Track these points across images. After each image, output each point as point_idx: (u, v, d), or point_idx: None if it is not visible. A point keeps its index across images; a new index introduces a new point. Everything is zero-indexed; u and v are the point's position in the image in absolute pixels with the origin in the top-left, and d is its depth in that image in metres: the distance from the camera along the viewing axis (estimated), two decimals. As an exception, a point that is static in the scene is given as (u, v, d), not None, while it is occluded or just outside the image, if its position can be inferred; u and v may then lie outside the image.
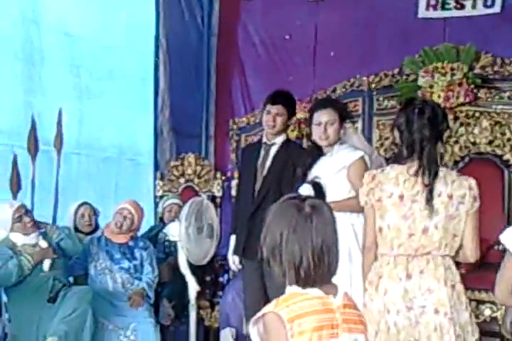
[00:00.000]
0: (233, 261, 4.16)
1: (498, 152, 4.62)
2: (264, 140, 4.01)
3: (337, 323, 1.72)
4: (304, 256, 1.72)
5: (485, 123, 4.73)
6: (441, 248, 2.61)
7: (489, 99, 4.75)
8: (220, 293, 4.91)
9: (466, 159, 4.76)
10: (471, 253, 2.67)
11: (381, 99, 5.18)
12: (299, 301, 1.72)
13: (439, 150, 2.68)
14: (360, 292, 3.39)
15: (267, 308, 1.74)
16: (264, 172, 3.95)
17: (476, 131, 4.76)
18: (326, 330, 1.70)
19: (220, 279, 4.96)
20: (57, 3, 5.24)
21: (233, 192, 5.47)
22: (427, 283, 2.57)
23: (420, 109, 2.62)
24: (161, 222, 5.16)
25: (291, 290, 1.76)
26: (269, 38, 6.00)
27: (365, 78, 5.24)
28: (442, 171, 2.66)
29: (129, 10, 5.74)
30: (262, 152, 4.00)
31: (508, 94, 4.70)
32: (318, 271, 1.73)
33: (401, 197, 2.61)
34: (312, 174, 3.67)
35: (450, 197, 2.60)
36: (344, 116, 3.67)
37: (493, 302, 3.94)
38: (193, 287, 4.39)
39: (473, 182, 2.65)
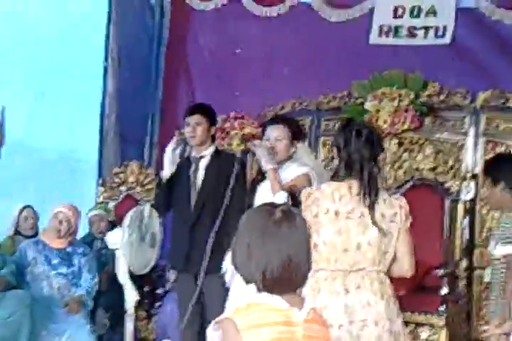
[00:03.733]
0: None
1: (440, 179, 4.75)
2: (193, 154, 4.01)
3: (297, 338, 1.69)
4: (270, 262, 1.69)
5: (428, 150, 4.86)
6: (375, 264, 2.67)
7: (434, 127, 4.89)
8: (157, 304, 4.84)
9: (409, 184, 4.87)
10: (407, 268, 2.72)
11: (329, 119, 5.26)
12: (259, 310, 1.69)
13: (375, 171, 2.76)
14: None
15: (226, 314, 1.71)
16: (198, 185, 3.94)
17: (420, 157, 4.88)
18: None
19: (159, 290, 4.88)
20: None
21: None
22: (365, 297, 2.63)
23: (358, 130, 2.72)
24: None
25: (254, 298, 1.73)
26: (219, 50, 6.02)
27: (314, 98, 5.31)
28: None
29: (82, 8, 5.66)
30: (193, 166, 3.99)
31: (451, 123, 4.85)
32: (284, 279, 1.70)
33: (336, 213, 2.67)
34: (260, 193, 3.69)
35: (383, 216, 2.67)
36: (296, 134, 3.71)
37: (431, 325, 4.03)
38: (132, 296, 4.34)
39: (403, 201, 2.74)
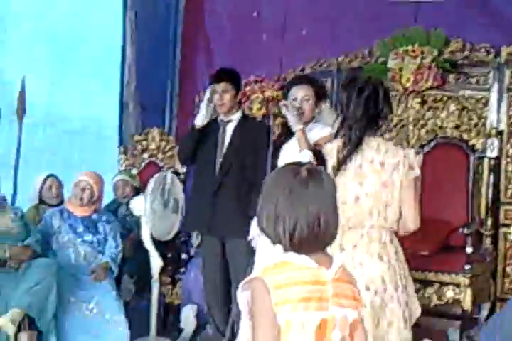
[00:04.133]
0: None
1: (465, 137, 4.67)
2: (221, 117, 4.00)
3: (326, 296, 1.67)
4: (298, 222, 1.67)
5: (452, 107, 4.77)
6: (374, 217, 2.58)
7: (457, 84, 4.79)
8: (182, 269, 4.86)
9: (433, 143, 4.80)
10: (411, 222, 2.63)
11: (350, 80, 5.18)
12: (288, 270, 1.67)
13: (375, 130, 2.73)
14: None
15: (255, 273, 1.70)
16: (224, 149, 3.94)
17: (443, 115, 4.80)
18: (314, 302, 1.65)
19: (183, 256, 4.90)
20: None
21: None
22: (359, 257, 2.54)
23: (360, 88, 2.66)
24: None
25: (282, 257, 1.71)
26: (236, 14, 5.93)
27: (334, 58, 5.23)
28: (376, 141, 2.71)
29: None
30: (220, 129, 3.99)
31: (475, 79, 4.75)
32: (312, 238, 1.68)
33: (333, 167, 2.67)
34: (284, 150, 3.68)
35: (382, 164, 2.62)
36: (320, 94, 3.68)
37: (456, 285, 4.00)
38: (156, 262, 4.35)
39: (411, 152, 2.68)
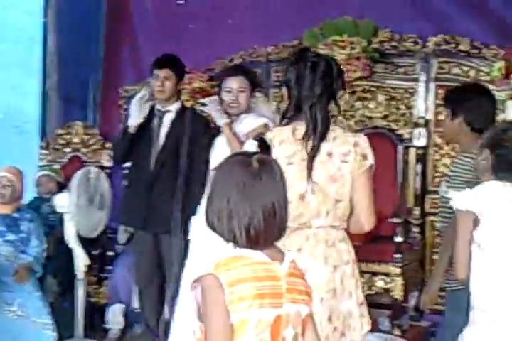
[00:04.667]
0: None
1: (393, 126, 4.68)
2: (158, 107, 3.85)
3: (280, 292, 1.60)
4: (255, 216, 1.58)
5: (380, 97, 4.78)
6: (322, 216, 2.26)
7: (385, 74, 4.79)
8: (108, 267, 4.70)
9: (362, 133, 4.76)
10: (364, 221, 2.31)
11: (279, 71, 5.11)
12: (241, 265, 1.58)
13: (332, 112, 2.41)
14: None
15: (205, 270, 1.59)
16: (161, 141, 3.79)
17: (372, 105, 4.79)
18: (268, 299, 1.57)
19: (109, 253, 4.74)
20: None
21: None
22: (304, 262, 2.14)
23: (313, 62, 2.32)
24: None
25: (234, 252, 1.62)
26: (161, 2, 5.75)
27: (263, 49, 5.15)
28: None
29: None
30: (156, 119, 3.83)
31: (403, 69, 4.76)
32: (268, 232, 1.60)
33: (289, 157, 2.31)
34: (217, 145, 3.58)
35: (329, 155, 2.28)
36: (255, 84, 3.60)
37: (386, 274, 4.00)
38: (81, 261, 4.18)
39: (361, 138, 2.34)
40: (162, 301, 3.79)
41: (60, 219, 4.30)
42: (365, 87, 4.82)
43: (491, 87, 4.36)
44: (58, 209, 4.18)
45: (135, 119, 3.73)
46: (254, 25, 5.30)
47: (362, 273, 3.92)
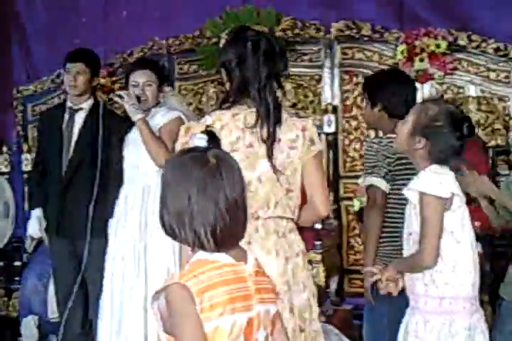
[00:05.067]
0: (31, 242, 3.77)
1: (302, 114, 4.63)
2: (69, 104, 3.63)
3: (250, 294, 1.49)
4: (220, 215, 1.46)
5: (288, 86, 4.68)
6: (270, 207, 2.15)
7: (291, 62, 4.72)
8: (16, 278, 4.41)
9: (271, 122, 4.73)
10: (320, 206, 2.22)
11: (182, 63, 4.98)
12: (207, 270, 1.45)
13: (278, 95, 2.25)
14: None
15: (171, 280, 1.45)
16: (73, 142, 3.57)
17: (279, 93, 4.72)
18: (239, 302, 1.46)
19: (16, 263, 4.45)
20: None
21: (24, 167, 4.97)
22: (255, 254, 1.97)
23: (254, 41, 2.17)
24: None
25: (198, 256, 1.49)
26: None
27: (164, 41, 4.99)
28: None
29: None
30: (66, 117, 3.61)
31: (308, 56, 4.73)
32: (234, 231, 1.49)
33: (233, 143, 2.16)
34: (129, 140, 3.41)
35: (278, 142, 2.16)
36: (163, 77, 3.45)
37: (309, 261, 3.93)
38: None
39: (309, 123, 2.24)
40: (85, 309, 3.59)
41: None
42: (271, 75, 4.74)
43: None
44: (-43, 220, 3.88)
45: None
46: (151, 16, 5.13)
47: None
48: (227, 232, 1.47)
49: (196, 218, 1.46)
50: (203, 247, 1.48)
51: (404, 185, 2.33)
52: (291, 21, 4.74)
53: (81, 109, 3.60)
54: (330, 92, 4.67)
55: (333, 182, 4.53)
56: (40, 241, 4.43)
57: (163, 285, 1.45)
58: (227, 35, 2.43)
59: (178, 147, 2.23)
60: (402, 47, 4.36)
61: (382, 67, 4.51)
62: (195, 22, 4.98)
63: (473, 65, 4.33)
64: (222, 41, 4.74)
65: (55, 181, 3.55)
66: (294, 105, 4.70)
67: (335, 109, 4.61)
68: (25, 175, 4.97)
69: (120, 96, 3.26)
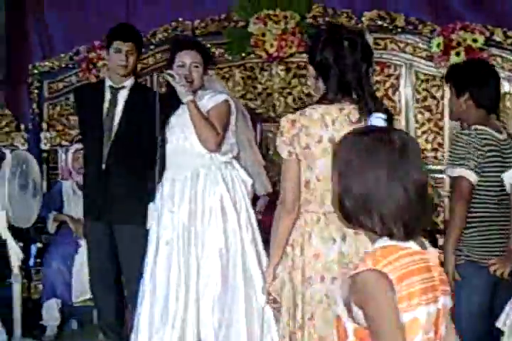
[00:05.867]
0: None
1: (333, 103, 4.61)
2: (109, 83, 3.53)
3: (435, 284, 1.42)
4: (408, 199, 1.38)
5: (317, 74, 4.68)
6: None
7: (319, 51, 4.70)
8: (38, 260, 4.32)
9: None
10: None
11: (208, 45, 4.89)
12: (400, 257, 1.37)
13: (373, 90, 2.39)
14: (251, 257, 3.15)
15: (363, 265, 1.37)
16: (117, 119, 3.47)
17: (310, 82, 4.68)
18: (430, 293, 1.39)
19: (37, 245, 4.35)
20: None
21: (43, 146, 4.86)
22: (363, 245, 2.16)
23: (351, 40, 2.25)
24: None
25: (385, 242, 1.41)
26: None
27: (189, 22, 4.89)
28: None
29: None
30: (108, 96, 3.52)
31: (338, 45, 4.69)
32: (421, 216, 1.41)
33: (331, 140, 2.23)
34: (173, 123, 3.34)
35: None
36: (208, 60, 3.38)
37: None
38: (16, 254, 3.80)
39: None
40: (119, 294, 3.54)
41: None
42: (300, 63, 4.71)
43: (429, 63, 4.47)
44: (-15, 199, 3.76)
45: None
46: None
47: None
48: (415, 218, 1.40)
49: (385, 202, 1.38)
50: (390, 235, 1.40)
51: (494, 177, 2.32)
52: (321, 8, 4.69)
53: (123, 87, 3.51)
54: (363, 81, 4.65)
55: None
56: (61, 222, 4.38)
57: (357, 270, 1.37)
58: (319, 34, 2.46)
59: (286, 141, 2.27)
60: (438, 40, 4.35)
61: (416, 59, 4.53)
62: (220, 4, 4.90)
63: (508, 61, 4.34)
64: (252, 26, 4.70)
65: (95, 162, 3.47)
66: (324, 94, 4.66)
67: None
68: (44, 154, 4.89)
69: (171, 76, 3.19)
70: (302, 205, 2.30)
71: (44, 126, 4.93)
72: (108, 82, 3.52)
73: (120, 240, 3.44)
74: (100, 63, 4.94)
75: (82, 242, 4.00)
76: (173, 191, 3.27)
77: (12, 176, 3.69)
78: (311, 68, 2.35)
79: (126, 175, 3.41)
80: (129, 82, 3.50)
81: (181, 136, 3.29)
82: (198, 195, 3.22)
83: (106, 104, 3.49)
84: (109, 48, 3.48)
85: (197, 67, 3.27)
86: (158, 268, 3.22)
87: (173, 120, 3.34)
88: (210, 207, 3.21)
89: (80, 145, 4.21)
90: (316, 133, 2.24)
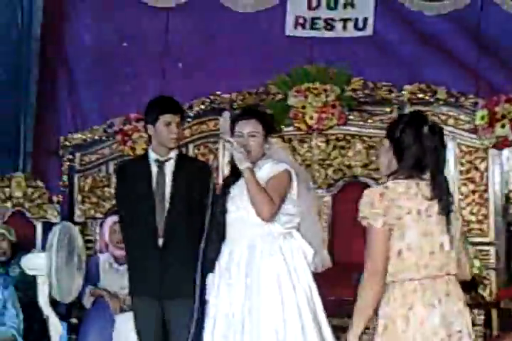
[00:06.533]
0: None
1: (375, 175, 4.56)
2: (155, 156, 3.46)
3: None
4: None
5: (359, 146, 4.67)
6: (456, 265, 2.42)
7: (360, 122, 4.71)
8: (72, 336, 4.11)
9: (341, 182, 4.65)
10: (469, 270, 2.56)
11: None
12: None
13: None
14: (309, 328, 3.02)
15: None
16: (167, 193, 3.39)
17: (350, 153, 4.68)
18: None
19: (72, 320, 4.16)
20: None
21: (77, 218, 4.74)
22: (456, 305, 2.36)
23: (431, 127, 2.44)
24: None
25: None
26: (103, 43, 5.34)
27: (226, 95, 4.91)
28: None
29: None
30: (155, 170, 3.45)
31: (378, 117, 4.70)
32: None
33: (419, 212, 2.36)
34: (233, 192, 3.26)
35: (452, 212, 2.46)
36: (269, 129, 3.34)
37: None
38: (57, 330, 3.63)
39: None
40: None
41: (27, 282, 3.72)
42: (340, 135, 4.70)
43: (473, 135, 4.47)
44: (30, 272, 3.61)
45: None
46: (210, 70, 5.07)
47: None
48: None
49: None
50: None
51: None
52: (361, 82, 4.73)
53: (169, 159, 3.46)
54: (402, 154, 4.63)
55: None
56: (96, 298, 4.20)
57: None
58: (401, 116, 2.78)
59: (380, 212, 2.34)
60: (482, 112, 4.37)
61: (458, 131, 4.53)
62: (256, 78, 4.93)
63: (551, 130, 4.35)
64: (292, 98, 4.72)
65: (149, 236, 3.35)
66: (365, 165, 4.64)
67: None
68: (78, 227, 4.76)
69: (230, 143, 3.14)
70: (395, 274, 2.35)
71: (79, 198, 4.83)
72: (154, 155, 3.46)
73: (170, 314, 3.29)
74: (136, 135, 4.91)
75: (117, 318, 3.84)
76: (230, 263, 3.17)
77: (59, 248, 3.56)
78: (387, 142, 2.46)
79: (184, 249, 3.30)
80: (173, 154, 3.46)
81: (240, 205, 3.22)
82: (253, 268, 3.11)
83: (154, 178, 3.42)
84: (156, 122, 3.43)
85: (254, 136, 3.23)
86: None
87: (234, 190, 3.27)
88: (266, 282, 3.11)
89: (116, 218, 4.11)
90: (405, 205, 2.35)
